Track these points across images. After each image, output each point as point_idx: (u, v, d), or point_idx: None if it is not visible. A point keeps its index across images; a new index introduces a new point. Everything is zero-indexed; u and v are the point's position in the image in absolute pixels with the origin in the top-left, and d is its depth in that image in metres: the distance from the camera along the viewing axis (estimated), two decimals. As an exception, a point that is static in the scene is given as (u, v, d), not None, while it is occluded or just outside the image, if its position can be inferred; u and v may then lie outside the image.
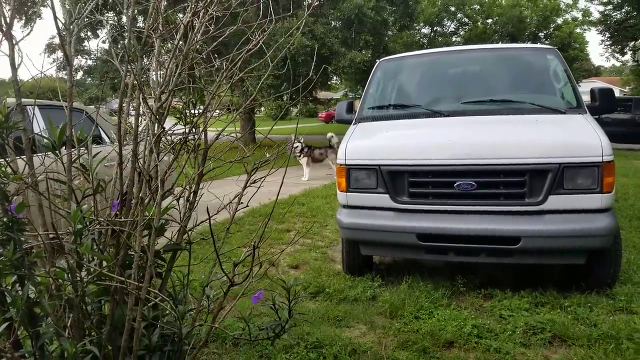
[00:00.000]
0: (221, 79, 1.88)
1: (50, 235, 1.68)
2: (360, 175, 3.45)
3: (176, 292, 2.04)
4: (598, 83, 32.33)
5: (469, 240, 3.11)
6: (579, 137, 3.05)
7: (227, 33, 2.25)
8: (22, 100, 1.81)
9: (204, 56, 2.03)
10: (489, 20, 28.23)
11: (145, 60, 2.02)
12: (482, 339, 2.67)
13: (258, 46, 2.05)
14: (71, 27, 1.91)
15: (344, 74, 18.30)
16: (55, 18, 1.75)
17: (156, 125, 1.76)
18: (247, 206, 1.94)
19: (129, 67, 1.81)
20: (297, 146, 9.68)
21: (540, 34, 27.02)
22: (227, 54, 2.11)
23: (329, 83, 25.17)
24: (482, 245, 3.12)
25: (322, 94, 26.15)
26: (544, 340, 2.63)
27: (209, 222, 1.70)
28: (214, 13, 1.95)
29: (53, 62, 15.40)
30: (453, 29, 30.06)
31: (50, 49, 15.11)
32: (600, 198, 2.93)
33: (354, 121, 4.12)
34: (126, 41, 1.78)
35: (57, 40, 15.12)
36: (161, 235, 1.90)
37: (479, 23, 28.59)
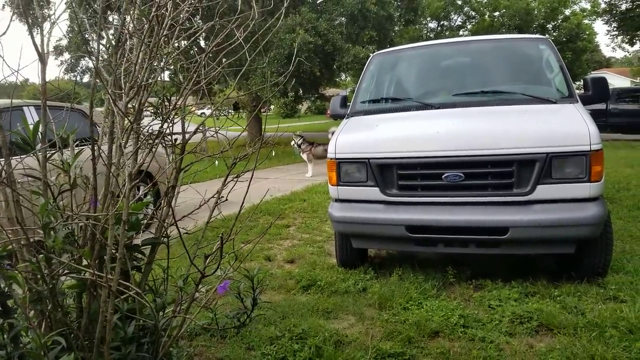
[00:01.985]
0: (191, 75, 1.89)
1: (28, 231, 1.72)
2: (350, 169, 3.45)
3: (157, 285, 2.07)
4: (608, 74, 31.86)
5: (458, 231, 3.10)
6: (567, 127, 3.02)
7: (205, 28, 2.27)
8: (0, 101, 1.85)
9: (177, 52, 2.05)
10: (496, 13, 27.94)
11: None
12: (468, 329, 2.66)
13: (237, 42, 2.05)
14: (46, 25, 1.93)
15: (350, 70, 18.26)
16: (27, 16, 1.79)
17: (125, 121, 1.78)
18: (226, 200, 1.95)
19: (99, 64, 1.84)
20: (294, 142, 9.73)
21: (548, 25, 26.66)
22: (235, 55, 2.13)
23: (336, 80, 25.08)
24: (470, 236, 3.11)
25: (330, 91, 26.11)
26: (530, 329, 2.62)
27: (174, 221, 1.72)
28: (186, 7, 1.97)
29: (61, 64, 15.62)
30: (460, 23, 29.84)
31: (57, 51, 15.32)
32: (589, 187, 2.90)
33: (346, 115, 4.13)
34: (95, 39, 1.81)
35: (63, 43, 15.36)
36: (136, 230, 1.93)
37: (486, 16, 28.32)
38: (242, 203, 2.01)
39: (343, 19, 15.63)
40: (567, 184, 2.93)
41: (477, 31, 27.05)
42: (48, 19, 1.93)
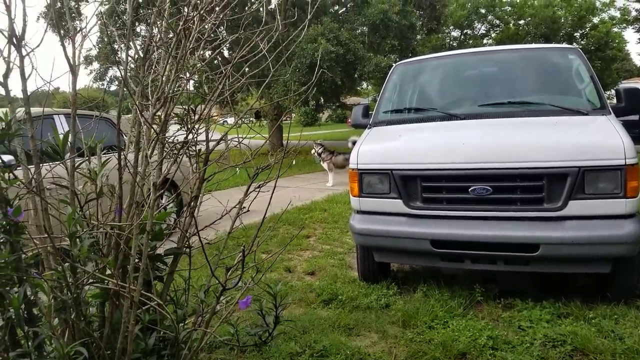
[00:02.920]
0: (217, 87, 1.88)
1: (55, 239, 1.72)
2: (373, 180, 3.39)
3: (178, 296, 2.05)
4: None
5: (485, 247, 3.00)
6: (600, 139, 2.91)
7: (230, 39, 2.27)
8: (31, 110, 1.87)
9: (203, 64, 2.05)
10: (521, 22, 27.62)
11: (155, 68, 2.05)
12: (497, 351, 2.56)
13: (261, 53, 2.04)
14: (77, 37, 1.95)
15: (371, 79, 18.24)
16: (60, 28, 1.81)
17: (152, 131, 1.78)
18: (248, 211, 1.93)
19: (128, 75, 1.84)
20: (314, 150, 9.75)
21: (575, 34, 26.21)
22: (258, 65, 2.12)
23: (358, 88, 25.09)
24: (499, 253, 3.00)
25: (351, 100, 26.13)
26: (564, 354, 2.50)
27: (197, 231, 1.69)
28: (211, 21, 1.97)
29: (90, 73, 16.05)
30: (484, 31, 29.60)
31: (87, 61, 15.73)
32: (625, 203, 2.78)
33: (368, 125, 4.09)
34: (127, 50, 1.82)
35: (93, 53, 15.76)
36: (160, 239, 1.92)
37: (511, 24, 28.02)
38: (265, 214, 1.98)
39: (365, 28, 15.65)
40: (601, 200, 2.81)
41: (501, 40, 26.80)
42: (80, 32, 1.95)
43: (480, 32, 29.36)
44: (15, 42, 1.75)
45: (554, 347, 2.58)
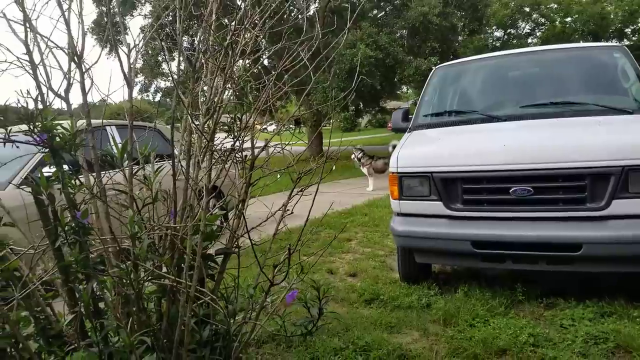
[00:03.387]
0: (261, 96, 2.02)
1: (118, 240, 1.90)
2: (413, 183, 3.44)
3: (228, 293, 2.20)
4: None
5: (527, 247, 2.99)
6: (644, 137, 2.85)
7: (273, 49, 2.41)
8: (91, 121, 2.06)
9: (248, 75, 2.19)
10: (568, 19, 26.65)
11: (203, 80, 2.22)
12: (538, 348, 2.57)
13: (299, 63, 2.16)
14: (133, 52, 2.14)
15: (411, 82, 18.13)
16: (116, 44, 2.01)
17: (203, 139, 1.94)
18: (292, 213, 2.05)
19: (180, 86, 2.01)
20: (354, 155, 9.86)
21: (626, 30, 25.02)
22: (297, 74, 2.25)
23: (398, 92, 24.90)
24: (541, 253, 2.99)
25: (391, 104, 25.96)
26: (606, 351, 2.48)
27: (247, 231, 1.83)
28: (256, 32, 2.12)
29: (135, 85, 16.85)
30: (528, 30, 28.77)
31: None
32: (672, 202, 2.71)
33: (408, 129, 4.14)
34: (177, 63, 1.99)
35: (137, 66, 16.53)
36: (211, 239, 2.07)
37: (557, 22, 27.10)
38: (308, 216, 2.10)
39: (404, 31, 15.60)
40: (647, 199, 2.76)
41: (547, 39, 25.96)
42: (134, 47, 2.14)
43: (524, 32, 28.56)
44: (76, 59, 1.96)
45: (596, 344, 2.57)
